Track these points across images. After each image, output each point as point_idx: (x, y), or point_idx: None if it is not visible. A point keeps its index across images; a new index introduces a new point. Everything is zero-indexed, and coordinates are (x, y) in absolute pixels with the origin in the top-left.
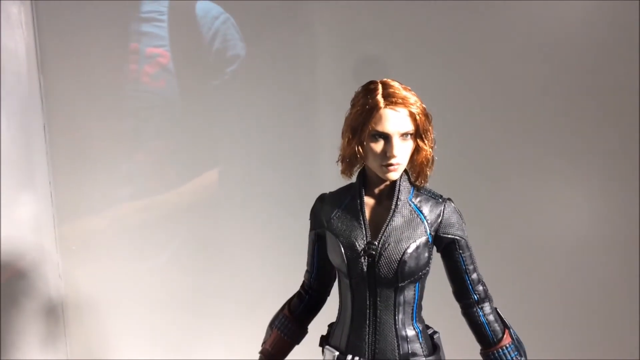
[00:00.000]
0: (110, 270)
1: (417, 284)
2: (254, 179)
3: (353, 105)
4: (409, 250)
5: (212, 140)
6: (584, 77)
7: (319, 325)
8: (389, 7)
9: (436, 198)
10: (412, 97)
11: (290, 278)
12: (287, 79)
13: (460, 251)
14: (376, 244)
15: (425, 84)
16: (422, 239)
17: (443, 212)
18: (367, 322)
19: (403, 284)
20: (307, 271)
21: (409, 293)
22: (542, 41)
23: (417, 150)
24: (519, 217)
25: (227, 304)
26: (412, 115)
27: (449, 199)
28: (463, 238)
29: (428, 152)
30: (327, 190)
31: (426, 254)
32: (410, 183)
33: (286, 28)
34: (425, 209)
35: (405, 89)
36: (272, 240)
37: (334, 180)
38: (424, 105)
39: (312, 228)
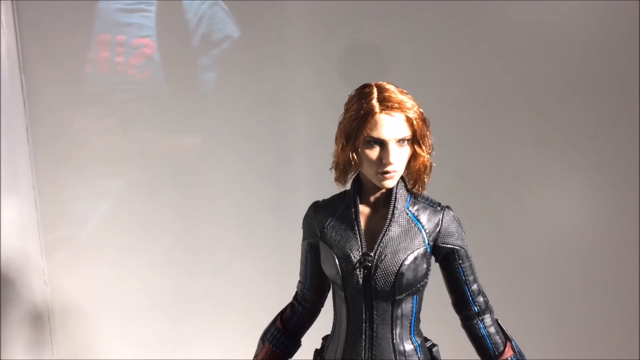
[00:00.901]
0: (96, 276)
1: (415, 296)
2: (242, 179)
3: (347, 110)
4: (407, 262)
5: (199, 139)
6: (582, 78)
7: (312, 338)
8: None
9: (434, 206)
10: (408, 102)
11: (283, 282)
12: (277, 72)
13: (460, 261)
14: (372, 255)
15: (417, 83)
16: (420, 250)
17: (442, 220)
18: (363, 336)
19: (400, 297)
20: (300, 282)
21: (407, 306)
22: (540, 40)
23: (414, 156)
24: (519, 219)
25: (215, 308)
26: (408, 120)
27: (448, 207)
28: (462, 248)
29: (425, 159)
30: (318, 190)
31: (424, 265)
32: (407, 190)
33: (255, 17)
34: (423, 218)
35: (401, 92)
36: (262, 244)
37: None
38: (421, 110)
39: (305, 237)
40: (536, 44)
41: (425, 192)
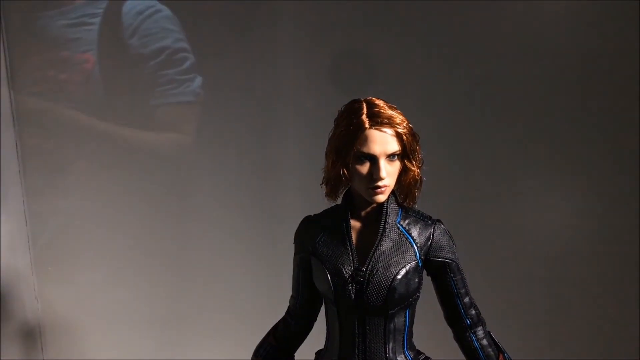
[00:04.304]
0: (88, 291)
1: (408, 310)
2: (233, 190)
3: (337, 126)
4: (399, 276)
5: (189, 149)
6: (579, 80)
7: (305, 353)
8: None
9: (425, 220)
10: (398, 117)
11: (276, 296)
12: (268, 78)
13: (452, 274)
14: (364, 270)
15: (407, 90)
16: (411, 264)
17: (433, 234)
18: (356, 351)
19: (393, 311)
20: (292, 297)
21: (399, 320)
22: (533, 43)
23: (404, 170)
24: (515, 223)
25: (208, 322)
26: (398, 135)
27: (439, 220)
28: (454, 261)
29: (416, 173)
30: (310, 202)
31: (416, 279)
32: (398, 204)
33: (244, 22)
34: (414, 232)
35: (390, 107)
36: (254, 256)
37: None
38: (410, 125)
39: (297, 253)
40: (529, 48)
41: (417, 206)
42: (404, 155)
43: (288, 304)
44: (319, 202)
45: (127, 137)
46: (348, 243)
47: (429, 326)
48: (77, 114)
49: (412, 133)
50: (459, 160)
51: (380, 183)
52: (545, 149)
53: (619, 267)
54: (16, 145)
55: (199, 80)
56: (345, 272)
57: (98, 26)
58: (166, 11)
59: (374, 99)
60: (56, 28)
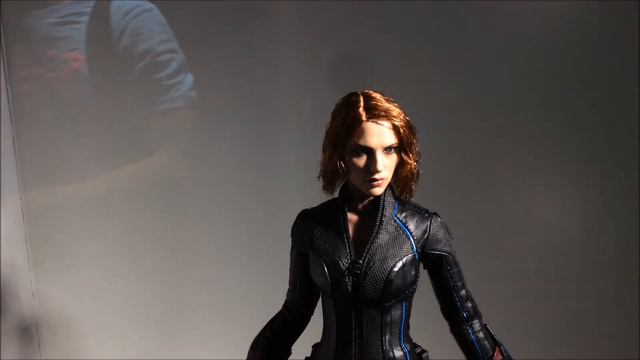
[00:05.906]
0: (85, 287)
1: (404, 303)
2: (231, 186)
3: (334, 119)
4: (395, 269)
5: (188, 146)
6: (577, 79)
7: (302, 346)
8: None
9: (422, 213)
10: (395, 110)
11: (273, 290)
12: (266, 78)
13: (448, 267)
14: (361, 262)
15: (405, 90)
16: (408, 257)
17: (429, 227)
18: (353, 343)
19: (389, 304)
20: (289, 290)
21: (396, 313)
22: (531, 42)
23: (401, 163)
24: (512, 222)
25: (206, 319)
26: (395, 128)
27: (435, 214)
28: (451, 254)
29: (413, 166)
30: (307, 197)
31: (413, 272)
32: (395, 197)
33: (241, 21)
34: (411, 225)
35: (387, 100)
36: (251, 250)
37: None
38: (407, 118)
39: (294, 246)
40: (528, 46)
41: (413, 199)
42: (401, 148)
43: (285, 297)
44: (316, 198)
45: (121, 137)
46: (345, 236)
47: (425, 319)
48: (66, 112)
49: (409, 126)
50: (456, 154)
51: (377, 176)
52: (543, 144)
53: (619, 266)
54: (13, 142)
55: (189, 83)
56: (342, 264)
57: (86, 25)
58: (155, 10)
59: (371, 92)
60: (43, 26)
